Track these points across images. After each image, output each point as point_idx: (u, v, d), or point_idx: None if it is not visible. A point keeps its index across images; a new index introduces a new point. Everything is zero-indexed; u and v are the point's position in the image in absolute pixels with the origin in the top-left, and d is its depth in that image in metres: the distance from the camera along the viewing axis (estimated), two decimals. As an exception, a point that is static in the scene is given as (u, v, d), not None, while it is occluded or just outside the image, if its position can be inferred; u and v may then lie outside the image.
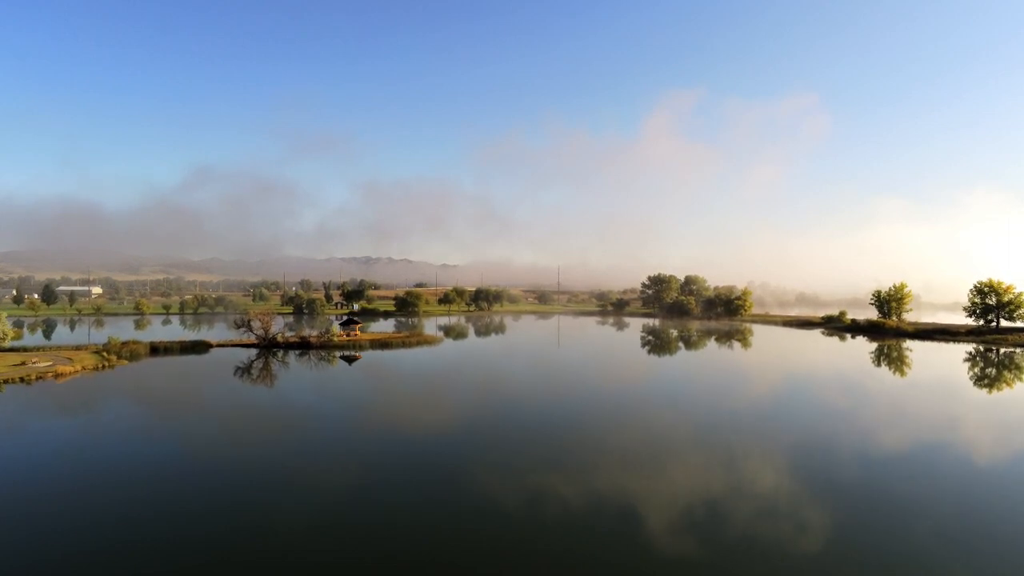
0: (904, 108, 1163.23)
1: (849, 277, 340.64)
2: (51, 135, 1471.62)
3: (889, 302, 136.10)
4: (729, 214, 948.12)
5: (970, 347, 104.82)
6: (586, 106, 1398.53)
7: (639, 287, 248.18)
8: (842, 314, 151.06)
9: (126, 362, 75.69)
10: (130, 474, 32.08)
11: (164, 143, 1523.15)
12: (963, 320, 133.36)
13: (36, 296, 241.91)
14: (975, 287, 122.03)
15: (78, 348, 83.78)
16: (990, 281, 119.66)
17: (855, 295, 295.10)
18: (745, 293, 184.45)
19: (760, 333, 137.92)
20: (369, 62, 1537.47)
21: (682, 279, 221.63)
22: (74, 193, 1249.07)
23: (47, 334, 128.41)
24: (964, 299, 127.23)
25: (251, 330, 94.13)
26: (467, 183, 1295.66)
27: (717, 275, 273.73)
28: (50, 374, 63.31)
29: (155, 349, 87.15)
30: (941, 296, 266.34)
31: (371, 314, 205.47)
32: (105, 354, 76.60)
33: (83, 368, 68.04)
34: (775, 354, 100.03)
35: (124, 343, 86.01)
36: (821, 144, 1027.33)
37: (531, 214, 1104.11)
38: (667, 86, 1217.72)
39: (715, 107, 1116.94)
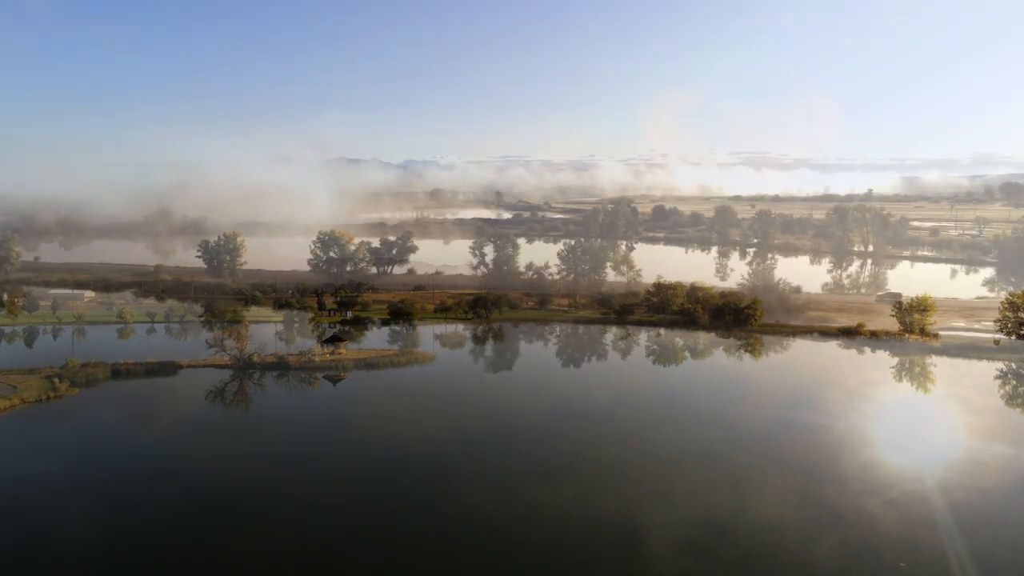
0: (909, 108, 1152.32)
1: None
2: (40, 137, 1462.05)
3: (911, 313, 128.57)
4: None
5: (1002, 364, 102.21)
6: (586, 107, 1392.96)
7: (641, 291, 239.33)
8: (860, 325, 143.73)
9: (76, 390, 68.04)
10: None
11: (158, 145, 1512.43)
12: (990, 334, 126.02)
13: (20, 300, 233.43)
14: (1007, 300, 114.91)
15: (31, 371, 76.18)
16: (1023, 295, 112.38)
17: (863, 300, 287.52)
18: (756, 302, 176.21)
19: (777, 346, 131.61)
20: (366, 62, 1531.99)
21: (688, 285, 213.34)
22: (67, 196, 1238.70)
23: (27, 343, 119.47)
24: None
25: (224, 349, 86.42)
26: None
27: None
28: (-21, 410, 55.70)
29: (116, 372, 79.61)
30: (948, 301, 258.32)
31: (364, 323, 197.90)
32: (56, 381, 69.01)
33: (22, 401, 60.42)
34: (812, 374, 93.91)
35: (84, 364, 78.71)
36: (825, 144, 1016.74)
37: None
38: (668, 87, 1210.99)
39: (717, 108, 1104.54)
